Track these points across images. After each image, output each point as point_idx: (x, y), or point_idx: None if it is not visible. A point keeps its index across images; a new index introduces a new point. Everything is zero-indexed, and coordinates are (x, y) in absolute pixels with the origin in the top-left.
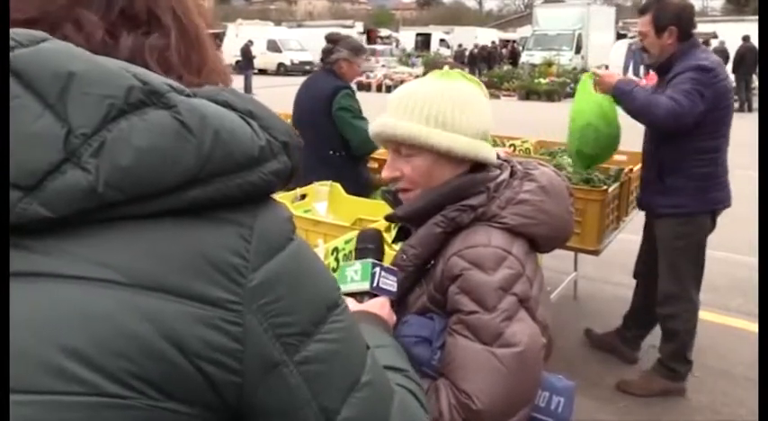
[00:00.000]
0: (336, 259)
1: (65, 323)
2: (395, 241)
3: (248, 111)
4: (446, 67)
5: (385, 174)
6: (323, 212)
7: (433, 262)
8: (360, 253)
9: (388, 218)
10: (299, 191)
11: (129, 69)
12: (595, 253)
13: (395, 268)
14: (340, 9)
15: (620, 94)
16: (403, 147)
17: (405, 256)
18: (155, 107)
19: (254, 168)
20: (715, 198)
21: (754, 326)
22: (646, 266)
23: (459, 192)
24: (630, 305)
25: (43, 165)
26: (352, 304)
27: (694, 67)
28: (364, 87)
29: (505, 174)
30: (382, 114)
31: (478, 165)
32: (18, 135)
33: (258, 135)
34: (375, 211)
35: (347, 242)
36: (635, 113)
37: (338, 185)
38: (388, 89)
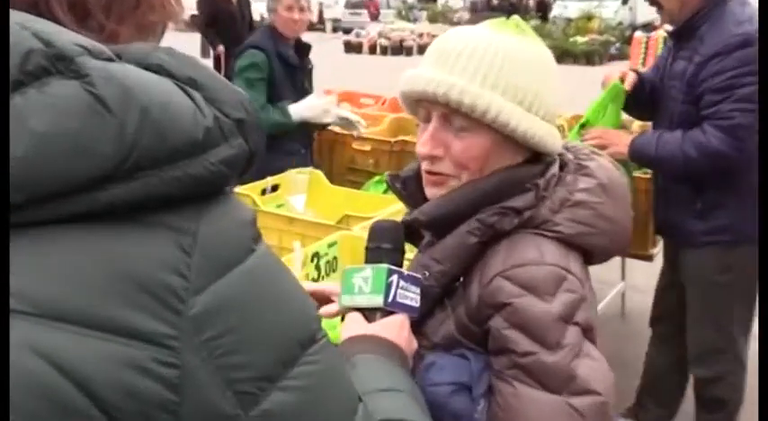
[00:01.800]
0: (317, 267)
1: None
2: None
3: (189, 79)
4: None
5: (423, 148)
6: (300, 207)
7: (462, 279)
8: (372, 254)
9: (407, 223)
10: (269, 180)
11: (26, 24)
12: (647, 258)
13: (419, 276)
14: None
15: (639, 156)
16: (458, 117)
17: (427, 273)
18: (60, 76)
19: (198, 156)
20: None
21: None
22: (668, 311)
23: (504, 189)
24: (643, 373)
25: None
26: (358, 324)
27: (736, 45)
28: (354, 48)
29: (555, 168)
30: (422, 65)
31: (534, 157)
32: None
33: (203, 111)
34: (368, 206)
35: (331, 245)
36: (677, 172)
37: (320, 173)
38: (384, 51)
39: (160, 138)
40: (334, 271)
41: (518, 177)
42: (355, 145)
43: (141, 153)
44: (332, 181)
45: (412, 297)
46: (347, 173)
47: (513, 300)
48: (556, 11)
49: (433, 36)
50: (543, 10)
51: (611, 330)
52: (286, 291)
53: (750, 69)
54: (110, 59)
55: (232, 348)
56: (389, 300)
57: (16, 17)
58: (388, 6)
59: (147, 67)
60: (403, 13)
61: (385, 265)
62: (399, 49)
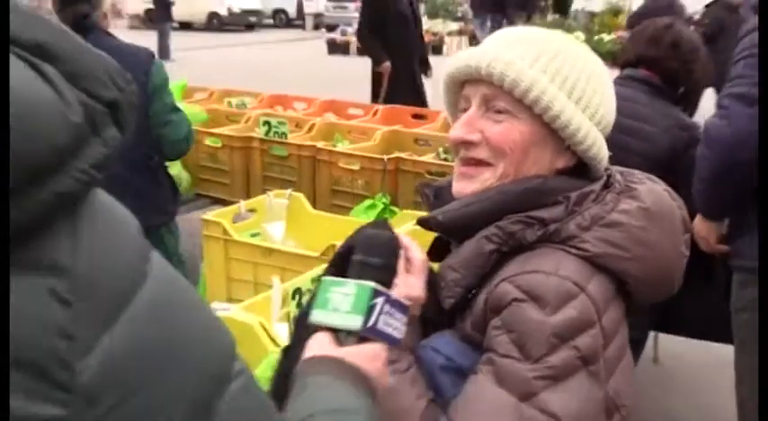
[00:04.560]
0: (299, 304)
1: None
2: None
3: (38, 47)
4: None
5: (457, 132)
6: (279, 237)
7: (474, 291)
8: (356, 267)
9: (422, 222)
10: (243, 204)
11: None
12: None
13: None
14: None
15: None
16: (501, 98)
17: (443, 284)
18: None
19: (66, 166)
20: None
21: None
22: None
23: (531, 197)
24: None
25: None
26: (324, 346)
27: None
28: (339, 48)
29: (597, 185)
30: (477, 47)
31: (579, 169)
32: None
33: (65, 98)
34: None
35: (315, 280)
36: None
37: (301, 196)
38: None
39: (21, 155)
40: None
41: (550, 186)
42: (342, 163)
43: None
44: (314, 205)
45: (396, 326)
46: (332, 196)
47: (513, 303)
48: (577, 4)
49: (434, 34)
50: (562, 3)
51: (642, 378)
52: (193, 323)
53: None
54: None
55: (140, 416)
56: (369, 324)
57: None
58: None
59: None
60: None
61: (371, 284)
62: None
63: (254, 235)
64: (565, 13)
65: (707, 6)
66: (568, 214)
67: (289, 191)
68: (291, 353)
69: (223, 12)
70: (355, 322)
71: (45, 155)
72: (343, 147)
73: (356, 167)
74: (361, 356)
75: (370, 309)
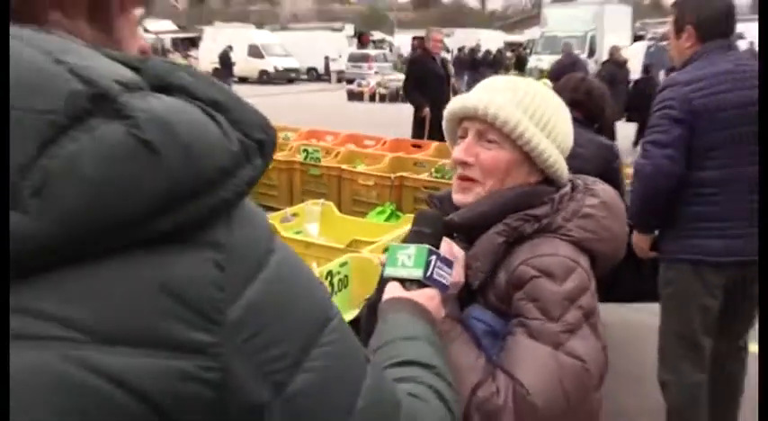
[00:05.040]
0: (331, 284)
1: (23, 395)
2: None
3: (213, 101)
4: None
5: (459, 155)
6: (315, 233)
7: (490, 273)
8: (414, 236)
9: (444, 224)
10: (288, 210)
11: (60, 57)
12: None
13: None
14: (328, 10)
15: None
16: (492, 132)
17: (470, 272)
18: (104, 117)
19: (227, 182)
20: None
21: None
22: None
23: (523, 199)
24: None
25: None
26: (397, 290)
27: (665, 84)
28: (355, 96)
29: (567, 188)
30: (473, 90)
31: (545, 181)
32: None
33: (229, 137)
34: (372, 232)
35: (342, 265)
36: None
37: (331, 204)
38: (382, 98)
39: (198, 172)
40: (345, 287)
41: (537, 192)
42: (360, 180)
43: (184, 188)
44: (340, 210)
45: (445, 276)
46: (353, 204)
47: (533, 279)
48: (531, 63)
49: None
50: (521, 62)
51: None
52: (304, 283)
53: (669, 100)
54: (140, 88)
55: (267, 344)
56: (427, 275)
57: (44, 45)
58: (386, 60)
59: (169, 86)
60: (398, 65)
61: (426, 246)
62: (395, 96)
63: (297, 232)
64: (522, 70)
65: (603, 64)
66: (555, 211)
67: (321, 200)
68: (374, 300)
69: (270, 69)
70: (417, 273)
71: (215, 172)
72: (361, 168)
73: (371, 183)
74: (423, 297)
75: (427, 264)
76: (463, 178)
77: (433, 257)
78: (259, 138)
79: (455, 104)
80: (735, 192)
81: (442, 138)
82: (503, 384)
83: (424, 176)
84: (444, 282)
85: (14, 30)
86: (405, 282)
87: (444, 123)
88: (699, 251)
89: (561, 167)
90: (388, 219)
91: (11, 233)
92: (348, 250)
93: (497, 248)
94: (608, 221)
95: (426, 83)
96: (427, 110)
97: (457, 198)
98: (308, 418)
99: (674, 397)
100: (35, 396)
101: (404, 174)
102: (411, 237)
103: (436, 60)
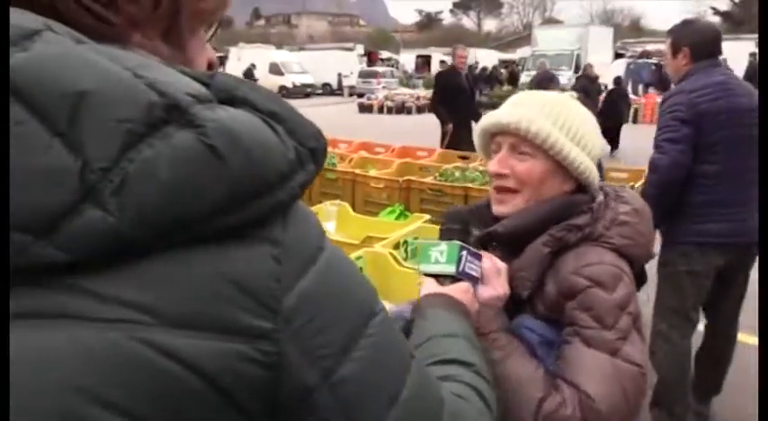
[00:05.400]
0: None
1: (87, 369)
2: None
3: (272, 113)
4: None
5: (495, 167)
6: (332, 231)
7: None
8: (445, 233)
9: (487, 235)
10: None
11: (138, 72)
12: None
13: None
14: (340, 32)
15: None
16: (524, 144)
17: (516, 283)
18: (177, 126)
19: (284, 185)
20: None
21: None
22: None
23: (563, 210)
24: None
25: (56, 207)
26: (432, 286)
27: (676, 91)
28: (366, 109)
29: (601, 196)
30: (502, 106)
31: (579, 189)
32: (24, 170)
33: (286, 144)
34: (383, 230)
35: (357, 259)
36: (658, 195)
37: (346, 205)
38: (390, 110)
39: (259, 177)
40: None
41: (574, 202)
42: (372, 183)
43: (245, 189)
44: (355, 211)
45: (476, 269)
46: (365, 204)
47: (586, 289)
48: (523, 78)
49: (428, 98)
50: (514, 78)
51: None
52: (351, 278)
53: (678, 104)
54: (209, 100)
55: (318, 331)
56: (460, 269)
57: (126, 61)
58: (392, 76)
59: (234, 99)
60: (404, 81)
61: (457, 242)
62: (401, 108)
63: None
64: (516, 85)
65: (577, 78)
66: (594, 220)
67: (337, 201)
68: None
69: (289, 85)
70: (451, 268)
71: (273, 176)
72: (372, 173)
73: (381, 186)
74: (458, 291)
75: (459, 259)
76: (500, 189)
77: (464, 252)
78: (312, 146)
79: (488, 121)
80: (733, 183)
81: (464, 149)
82: (568, 394)
83: (428, 180)
84: (475, 274)
85: (101, 47)
86: (438, 278)
87: (477, 139)
88: (705, 234)
89: (593, 174)
90: (397, 218)
91: (91, 228)
92: (362, 245)
93: (544, 258)
94: (641, 227)
95: (453, 96)
96: (450, 126)
97: (497, 209)
98: (354, 404)
99: (664, 364)
100: (102, 370)
101: (411, 177)
102: (441, 235)
103: (461, 75)
